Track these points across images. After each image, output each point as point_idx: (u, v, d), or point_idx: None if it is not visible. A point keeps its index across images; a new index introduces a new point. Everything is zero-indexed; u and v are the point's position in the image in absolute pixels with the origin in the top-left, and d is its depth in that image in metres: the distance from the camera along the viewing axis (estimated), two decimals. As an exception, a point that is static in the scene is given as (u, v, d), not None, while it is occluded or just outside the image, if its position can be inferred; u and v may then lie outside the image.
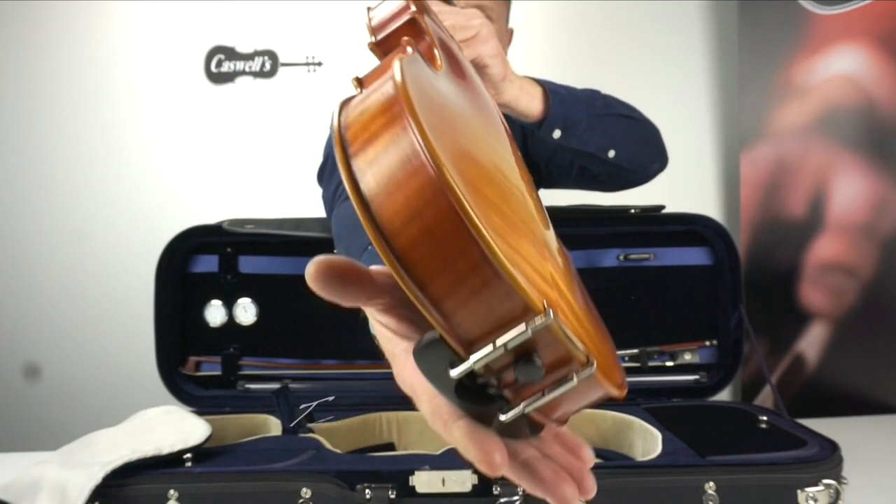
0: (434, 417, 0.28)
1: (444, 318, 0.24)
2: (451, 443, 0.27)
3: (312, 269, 0.26)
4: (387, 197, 0.23)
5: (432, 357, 0.26)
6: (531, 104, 0.74)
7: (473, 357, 0.24)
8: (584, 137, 0.78)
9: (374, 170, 0.24)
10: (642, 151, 0.85)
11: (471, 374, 0.25)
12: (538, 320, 0.23)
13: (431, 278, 0.23)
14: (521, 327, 0.23)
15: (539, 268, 0.27)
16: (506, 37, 0.99)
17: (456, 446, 0.27)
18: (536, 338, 0.24)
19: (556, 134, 0.77)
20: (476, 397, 0.26)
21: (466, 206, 0.22)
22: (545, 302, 0.24)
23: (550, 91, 0.75)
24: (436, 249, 0.23)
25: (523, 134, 0.95)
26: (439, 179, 0.22)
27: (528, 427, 0.28)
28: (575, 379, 0.25)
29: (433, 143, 0.22)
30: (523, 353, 0.24)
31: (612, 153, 0.80)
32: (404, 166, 0.23)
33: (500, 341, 0.24)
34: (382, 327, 0.31)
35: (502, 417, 0.26)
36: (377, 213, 0.23)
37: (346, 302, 0.27)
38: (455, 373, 0.25)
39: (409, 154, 0.23)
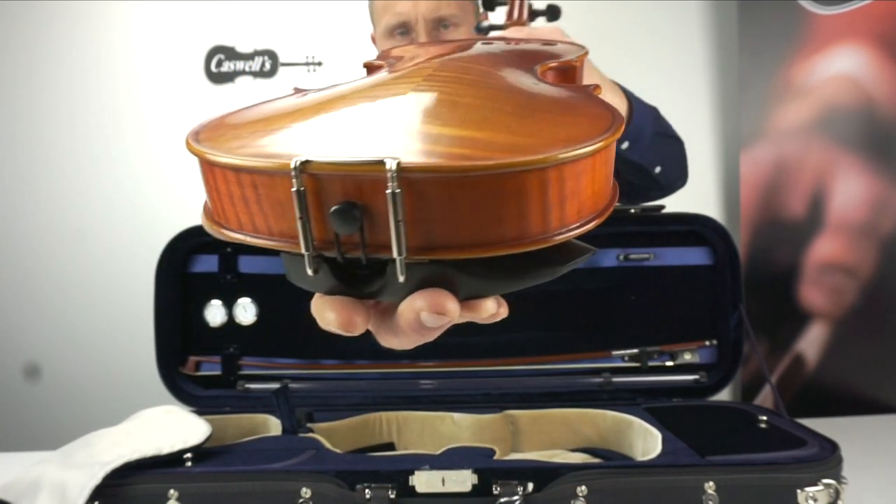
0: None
1: (254, 231, 0.26)
2: (326, 326, 0.26)
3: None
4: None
5: (291, 264, 0.27)
6: None
7: (301, 245, 0.25)
8: (645, 152, 0.82)
9: None
10: (678, 170, 0.91)
11: (332, 262, 0.26)
12: (293, 175, 0.24)
13: (227, 213, 0.27)
14: (295, 186, 0.24)
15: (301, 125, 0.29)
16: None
17: (330, 326, 0.26)
18: (319, 187, 0.24)
19: (625, 145, 0.80)
20: (351, 281, 0.26)
21: (205, 153, 0.26)
22: (295, 161, 0.24)
23: (632, 102, 0.78)
24: (216, 194, 0.27)
25: None
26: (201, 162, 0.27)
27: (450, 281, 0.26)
28: (389, 188, 0.23)
29: (202, 150, 0.27)
30: (329, 210, 0.24)
31: (658, 169, 0.85)
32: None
33: (295, 215, 0.24)
34: None
35: (399, 277, 0.25)
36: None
37: None
38: (308, 267, 0.25)
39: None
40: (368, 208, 0.24)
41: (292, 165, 0.24)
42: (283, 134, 0.28)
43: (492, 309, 0.27)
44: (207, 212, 0.29)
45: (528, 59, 0.43)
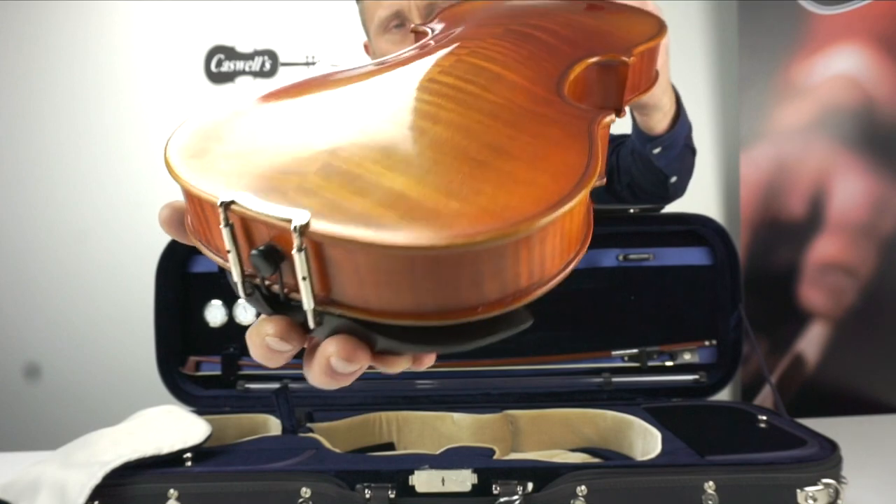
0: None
1: (206, 244, 0.29)
2: (261, 342, 0.27)
3: (162, 215, 0.31)
4: None
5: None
6: (662, 121, 0.75)
7: (234, 273, 0.27)
8: (671, 161, 0.81)
9: None
10: (686, 183, 0.90)
11: (264, 292, 0.27)
12: (220, 209, 0.25)
13: (191, 221, 0.29)
14: (222, 223, 0.26)
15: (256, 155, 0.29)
16: None
17: (266, 339, 0.27)
18: (248, 225, 0.26)
19: (657, 150, 0.79)
20: (282, 308, 0.27)
21: (169, 163, 0.28)
22: (221, 200, 0.25)
23: (680, 108, 0.77)
24: (185, 199, 0.29)
25: None
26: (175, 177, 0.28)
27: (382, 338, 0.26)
28: (294, 245, 0.24)
29: (168, 158, 0.29)
30: (254, 246, 0.25)
31: (674, 179, 0.85)
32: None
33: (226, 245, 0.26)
34: None
35: (310, 324, 0.25)
36: None
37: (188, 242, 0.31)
38: (241, 291, 0.27)
39: None
40: (286, 254, 0.25)
41: (218, 203, 0.25)
42: (241, 157, 0.29)
43: (405, 365, 0.27)
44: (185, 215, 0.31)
45: (573, 49, 0.42)
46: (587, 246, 0.31)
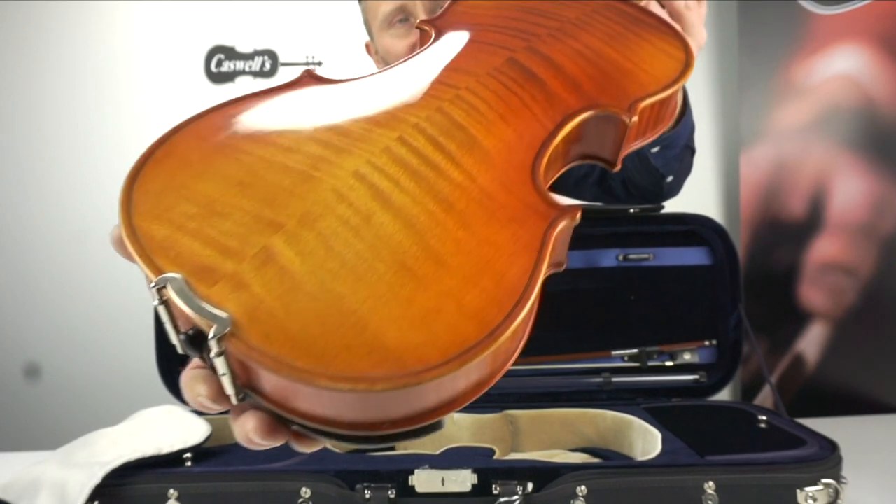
0: None
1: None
2: (193, 398, 0.29)
3: (113, 234, 0.32)
4: None
5: None
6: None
7: (171, 336, 0.28)
8: (670, 161, 0.79)
9: None
10: (682, 183, 0.88)
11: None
12: (153, 288, 0.27)
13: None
14: (155, 301, 0.27)
15: (208, 231, 0.29)
16: None
17: (199, 398, 0.29)
18: (175, 312, 0.27)
19: (655, 149, 0.77)
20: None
21: (126, 236, 0.30)
22: (154, 283, 0.27)
23: (687, 108, 0.74)
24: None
25: None
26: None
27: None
28: (213, 351, 0.25)
29: (129, 214, 0.31)
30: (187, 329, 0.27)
31: (670, 178, 0.83)
32: None
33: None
34: None
35: (233, 401, 0.27)
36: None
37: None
38: (179, 349, 0.28)
39: None
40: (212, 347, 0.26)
41: (150, 286, 0.27)
42: (184, 225, 0.30)
43: (322, 445, 0.29)
44: None
45: (574, 97, 0.40)
46: (518, 354, 0.31)
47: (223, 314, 0.26)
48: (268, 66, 1.74)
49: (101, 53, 1.74)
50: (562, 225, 0.33)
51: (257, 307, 0.27)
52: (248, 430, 0.27)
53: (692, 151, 0.86)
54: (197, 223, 0.30)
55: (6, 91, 1.71)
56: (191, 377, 0.28)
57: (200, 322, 0.26)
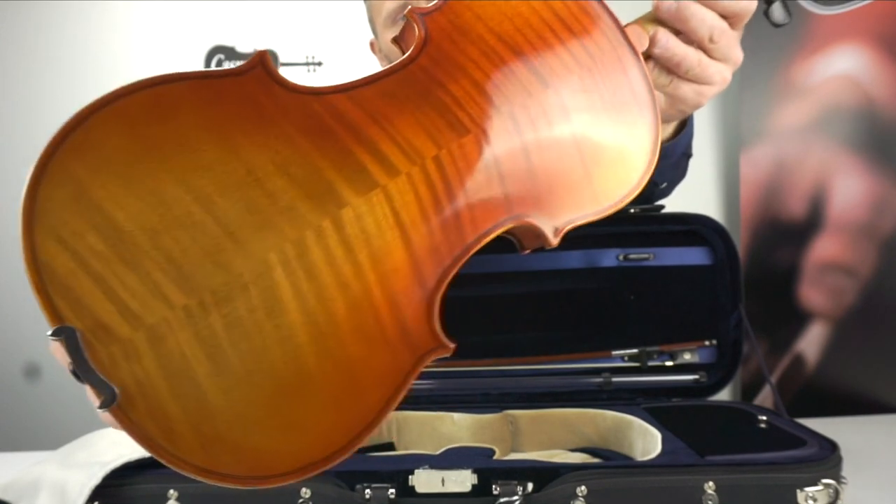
0: None
1: None
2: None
3: None
4: None
5: None
6: (665, 130, 0.69)
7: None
8: (665, 170, 0.77)
9: None
10: (673, 188, 0.87)
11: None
12: (49, 335, 0.32)
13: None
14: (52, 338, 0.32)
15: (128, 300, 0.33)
16: None
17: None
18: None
19: None
20: None
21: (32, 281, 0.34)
22: (54, 330, 0.31)
23: (689, 118, 0.72)
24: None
25: None
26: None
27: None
28: (97, 404, 0.32)
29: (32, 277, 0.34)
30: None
31: (664, 185, 0.82)
32: None
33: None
34: None
35: None
36: None
37: None
38: None
39: None
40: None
41: (48, 333, 0.31)
42: (90, 283, 0.33)
43: None
44: None
45: (504, 208, 0.41)
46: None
47: (113, 388, 0.30)
48: (268, 66, 1.74)
49: (102, 53, 1.74)
50: (432, 359, 0.40)
51: (145, 383, 0.31)
52: (107, 420, 0.33)
53: (689, 157, 0.85)
54: (101, 266, 0.32)
55: (6, 91, 1.71)
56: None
57: (87, 383, 0.30)
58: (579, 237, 0.87)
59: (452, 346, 0.41)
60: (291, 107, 0.39)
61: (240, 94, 0.38)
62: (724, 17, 0.51)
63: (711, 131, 1.68)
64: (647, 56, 0.50)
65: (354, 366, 0.36)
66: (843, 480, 0.57)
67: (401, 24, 0.96)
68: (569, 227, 0.44)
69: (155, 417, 0.31)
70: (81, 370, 0.29)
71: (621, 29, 0.47)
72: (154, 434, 0.31)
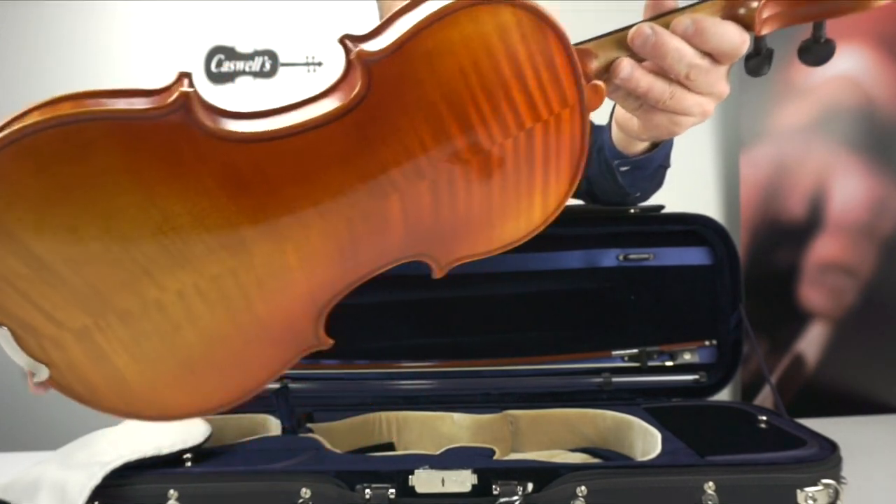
0: None
1: None
2: None
3: None
4: None
5: None
6: (640, 145, 0.66)
7: None
8: (637, 180, 0.74)
9: None
10: (650, 195, 0.84)
11: None
12: None
13: None
14: None
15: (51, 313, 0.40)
16: None
17: None
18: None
19: (625, 168, 0.70)
20: None
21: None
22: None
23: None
24: None
25: None
26: None
27: None
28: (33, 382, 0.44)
29: None
30: None
31: (638, 195, 0.80)
32: None
33: None
34: None
35: None
36: None
37: None
38: None
39: None
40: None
41: None
42: (21, 284, 0.39)
43: None
44: None
45: (398, 250, 0.45)
46: None
47: (43, 369, 0.41)
48: (268, 66, 1.74)
49: (101, 53, 1.74)
50: (311, 351, 0.49)
51: (74, 364, 0.41)
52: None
53: (667, 167, 0.79)
54: (26, 285, 0.38)
55: (6, 91, 1.71)
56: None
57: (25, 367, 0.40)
58: (579, 237, 0.87)
59: (331, 342, 0.49)
60: (210, 156, 0.38)
61: (159, 140, 0.37)
62: (707, 53, 0.46)
63: (711, 131, 1.68)
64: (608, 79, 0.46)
65: (244, 360, 0.45)
66: (843, 480, 0.57)
67: None
68: (456, 263, 0.47)
69: (82, 384, 0.42)
70: (16, 355, 0.39)
71: (580, 89, 0.43)
72: (82, 393, 0.43)
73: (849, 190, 1.47)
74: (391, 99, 0.40)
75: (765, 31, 0.45)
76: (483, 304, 0.86)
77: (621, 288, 0.86)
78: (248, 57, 1.74)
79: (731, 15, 0.45)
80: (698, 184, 1.67)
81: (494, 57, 0.40)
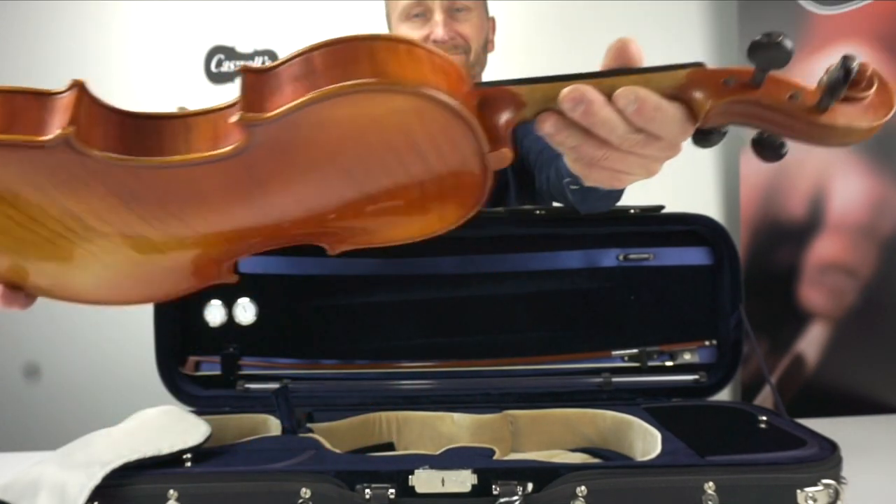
0: None
1: None
2: None
3: None
4: None
5: None
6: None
7: None
8: (588, 200, 0.69)
9: None
10: (608, 207, 0.75)
11: None
12: None
13: None
14: None
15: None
16: (487, 25, 1.03)
17: None
18: None
19: (574, 187, 0.65)
20: None
21: None
22: None
23: None
24: None
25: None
26: None
27: None
28: None
29: None
30: None
31: (584, 207, 0.73)
32: None
33: None
34: None
35: None
36: None
37: None
38: None
39: None
40: None
41: None
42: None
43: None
44: None
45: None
46: None
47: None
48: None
49: (101, 53, 1.74)
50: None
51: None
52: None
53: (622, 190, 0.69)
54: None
55: (6, 91, 1.71)
56: None
57: None
58: (579, 237, 0.87)
59: (236, 277, 0.60)
60: (100, 172, 0.42)
61: (48, 160, 0.41)
62: (643, 130, 0.41)
63: (711, 131, 1.68)
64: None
65: (157, 288, 0.58)
66: (843, 481, 0.57)
67: (413, 21, 1.04)
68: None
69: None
70: None
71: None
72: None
73: (849, 190, 1.47)
74: (272, 155, 0.41)
75: (709, 126, 0.43)
76: (483, 304, 0.86)
77: (621, 288, 0.86)
78: (248, 57, 1.74)
79: (686, 97, 0.42)
80: (698, 184, 1.68)
81: (386, 134, 0.40)
